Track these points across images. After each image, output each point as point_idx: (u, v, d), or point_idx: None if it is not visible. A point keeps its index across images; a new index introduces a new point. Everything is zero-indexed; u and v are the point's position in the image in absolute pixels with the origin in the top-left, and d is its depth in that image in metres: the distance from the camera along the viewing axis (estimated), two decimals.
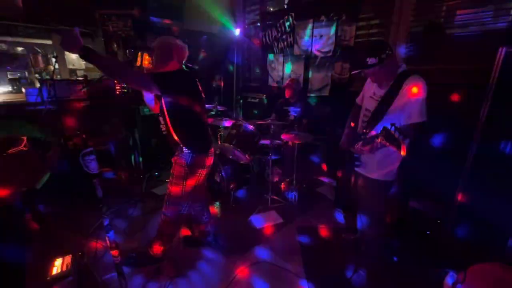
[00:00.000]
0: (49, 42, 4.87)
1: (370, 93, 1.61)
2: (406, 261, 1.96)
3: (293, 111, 3.10)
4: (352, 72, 1.58)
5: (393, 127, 1.10)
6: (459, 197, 1.90)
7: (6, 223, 2.13)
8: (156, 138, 4.08)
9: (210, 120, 2.99)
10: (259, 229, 2.40)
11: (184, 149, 1.68)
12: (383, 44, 1.44)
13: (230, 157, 2.74)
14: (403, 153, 1.05)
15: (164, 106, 1.56)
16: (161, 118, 1.68)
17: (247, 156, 2.60)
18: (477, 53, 2.21)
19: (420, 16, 2.66)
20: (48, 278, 1.58)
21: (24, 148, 2.25)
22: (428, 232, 2.16)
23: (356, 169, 1.66)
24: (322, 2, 3.43)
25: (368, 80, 1.67)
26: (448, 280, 1.36)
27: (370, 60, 1.38)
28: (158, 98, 1.60)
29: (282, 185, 3.05)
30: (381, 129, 1.15)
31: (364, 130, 1.51)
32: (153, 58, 1.70)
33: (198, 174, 1.75)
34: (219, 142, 3.04)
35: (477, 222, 1.78)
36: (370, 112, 1.54)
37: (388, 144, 1.12)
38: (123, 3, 4.28)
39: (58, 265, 1.67)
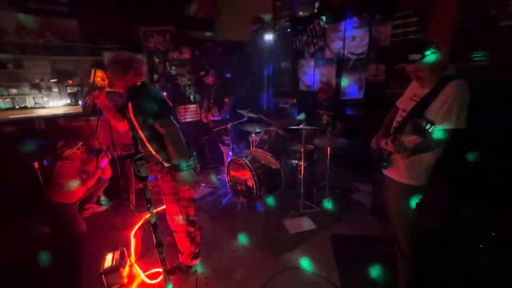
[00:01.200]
0: (101, 58, 5.44)
1: (410, 94, 1.54)
2: (454, 277, 1.79)
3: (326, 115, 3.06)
4: (395, 68, 1.54)
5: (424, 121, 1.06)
6: None
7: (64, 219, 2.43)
8: (192, 144, 4.31)
9: (241, 126, 3.08)
10: (292, 235, 2.39)
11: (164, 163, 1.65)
12: (430, 42, 1.38)
13: (262, 162, 2.79)
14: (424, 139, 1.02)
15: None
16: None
17: (278, 161, 2.63)
18: None
19: (466, 10, 2.45)
20: (101, 271, 1.77)
21: (77, 151, 2.55)
22: (481, 246, 1.95)
23: (384, 171, 1.58)
24: (354, 3, 3.35)
25: (412, 82, 1.60)
26: None
27: (412, 56, 1.35)
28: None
29: (315, 191, 3.00)
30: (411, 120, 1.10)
31: (393, 130, 1.45)
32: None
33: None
34: (251, 148, 3.10)
35: None
36: (406, 113, 1.48)
37: (414, 131, 1.07)
38: (162, 20, 4.65)
39: (109, 259, 1.85)
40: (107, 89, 1.67)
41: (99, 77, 1.56)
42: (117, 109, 1.79)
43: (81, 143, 2.64)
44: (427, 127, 1.07)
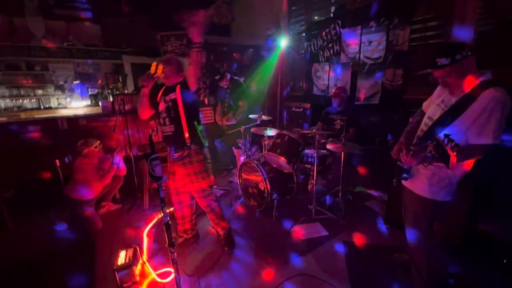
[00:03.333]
0: (120, 61, 5.65)
1: (438, 100, 1.41)
2: None
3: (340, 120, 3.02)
4: (417, 73, 1.42)
5: (446, 139, 0.96)
6: None
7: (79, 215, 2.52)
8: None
9: (254, 130, 3.09)
10: (303, 241, 2.36)
11: (192, 146, 2.00)
12: (462, 45, 1.23)
13: (274, 166, 2.78)
14: (450, 169, 0.93)
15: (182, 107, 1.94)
16: (167, 120, 2.00)
17: (291, 165, 2.61)
18: None
19: (490, 12, 2.36)
20: (114, 267, 1.81)
21: (95, 149, 2.66)
22: (505, 261, 1.84)
23: (404, 182, 1.49)
24: (371, 7, 3.30)
25: (439, 86, 1.47)
26: None
27: (441, 61, 1.21)
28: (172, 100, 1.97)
29: (327, 197, 2.95)
30: (434, 138, 1.02)
31: (416, 141, 1.36)
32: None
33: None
34: (263, 151, 3.10)
35: None
36: (432, 121, 1.36)
37: (436, 155, 0.98)
38: (179, 25, 4.78)
39: (122, 256, 1.90)
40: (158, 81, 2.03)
41: (160, 69, 1.89)
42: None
43: (98, 141, 2.74)
44: (453, 151, 0.94)
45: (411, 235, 1.54)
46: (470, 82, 1.22)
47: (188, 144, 2.00)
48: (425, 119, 1.47)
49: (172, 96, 1.96)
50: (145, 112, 2.13)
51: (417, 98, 1.66)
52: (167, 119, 2.00)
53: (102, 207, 2.91)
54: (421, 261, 1.53)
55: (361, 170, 3.08)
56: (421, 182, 1.39)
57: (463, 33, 2.49)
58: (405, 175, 1.43)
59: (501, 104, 1.12)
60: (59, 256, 2.22)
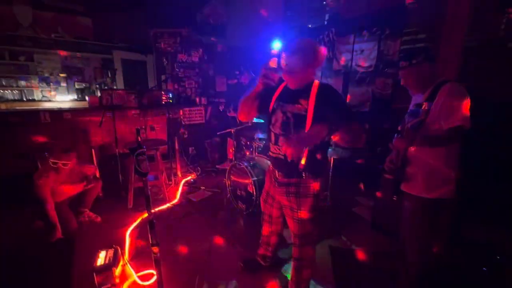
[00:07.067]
0: (110, 56, 5.52)
1: (411, 107, 1.57)
2: None
3: None
4: (385, 69, 1.66)
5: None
6: None
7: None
8: (194, 146, 4.31)
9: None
10: (290, 245, 2.33)
11: (303, 175, 1.42)
12: (420, 51, 1.44)
13: (264, 168, 2.76)
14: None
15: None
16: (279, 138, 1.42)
17: None
18: None
19: (476, 30, 2.47)
20: (92, 268, 1.72)
21: (63, 166, 2.36)
22: (484, 269, 1.89)
23: (401, 187, 1.54)
24: (364, 17, 3.38)
25: (413, 98, 1.61)
26: None
27: (402, 63, 1.44)
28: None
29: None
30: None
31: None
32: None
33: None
34: (254, 153, 3.08)
35: None
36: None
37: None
38: (174, 22, 4.73)
39: (102, 257, 1.81)
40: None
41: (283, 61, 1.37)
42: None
43: (73, 160, 2.42)
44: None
45: (408, 238, 1.57)
46: (427, 84, 1.41)
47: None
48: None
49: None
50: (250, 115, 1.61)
51: (407, 107, 1.70)
52: None
53: (80, 213, 2.62)
54: (413, 266, 1.55)
55: (350, 177, 3.12)
56: (417, 182, 1.45)
57: (450, 48, 2.59)
58: (399, 179, 1.50)
59: (458, 92, 1.29)
60: (34, 256, 2.10)
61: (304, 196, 1.45)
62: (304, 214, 1.47)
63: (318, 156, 1.38)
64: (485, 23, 2.44)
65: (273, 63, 1.31)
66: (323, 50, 1.36)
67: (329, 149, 2.55)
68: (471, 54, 2.48)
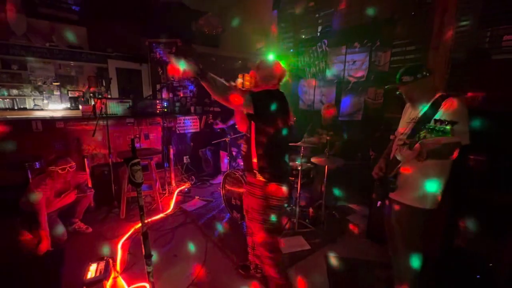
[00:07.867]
0: (105, 65, 5.51)
1: (405, 118, 1.58)
2: None
3: None
4: (386, 86, 1.64)
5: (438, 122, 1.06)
6: None
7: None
8: (188, 155, 4.28)
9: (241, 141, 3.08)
10: (285, 254, 2.31)
11: (257, 176, 1.55)
12: (421, 66, 1.48)
13: None
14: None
15: (252, 126, 1.51)
16: (244, 139, 1.65)
17: None
18: None
19: (462, 42, 2.57)
20: (82, 282, 1.67)
21: (62, 172, 2.35)
22: (478, 276, 1.90)
23: (391, 194, 1.55)
24: (355, 29, 3.49)
25: (406, 107, 1.64)
26: None
27: (405, 78, 1.45)
28: (249, 117, 1.53)
29: (310, 210, 2.96)
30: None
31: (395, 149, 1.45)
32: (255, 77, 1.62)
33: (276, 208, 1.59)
34: None
35: None
36: (406, 136, 1.48)
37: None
38: (169, 33, 4.79)
39: (92, 270, 1.76)
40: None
41: (247, 80, 1.62)
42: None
43: (71, 164, 2.39)
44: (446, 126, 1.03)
45: (398, 246, 1.57)
46: (429, 97, 1.42)
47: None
48: (398, 137, 1.60)
49: None
50: (243, 126, 1.71)
51: (397, 117, 1.75)
52: None
53: (70, 224, 2.56)
54: (406, 274, 1.56)
55: (344, 184, 3.13)
56: (407, 191, 1.45)
57: (438, 59, 2.68)
58: (391, 186, 1.51)
59: (462, 109, 1.28)
60: (21, 269, 2.03)
61: (256, 196, 1.57)
62: (255, 215, 1.60)
63: (269, 158, 1.51)
64: (470, 35, 2.55)
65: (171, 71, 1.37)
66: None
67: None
68: (457, 64, 2.58)
